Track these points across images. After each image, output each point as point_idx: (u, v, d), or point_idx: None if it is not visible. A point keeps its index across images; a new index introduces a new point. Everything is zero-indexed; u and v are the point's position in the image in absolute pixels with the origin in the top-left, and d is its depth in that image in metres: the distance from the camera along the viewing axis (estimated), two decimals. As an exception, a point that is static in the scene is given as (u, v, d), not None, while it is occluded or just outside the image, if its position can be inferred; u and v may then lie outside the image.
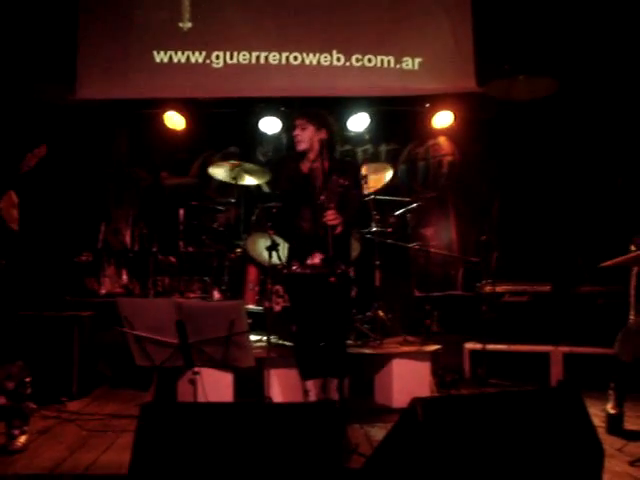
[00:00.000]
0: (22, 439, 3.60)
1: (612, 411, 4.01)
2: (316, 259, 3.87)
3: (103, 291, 6.01)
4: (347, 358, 4.05)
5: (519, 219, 6.40)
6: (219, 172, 5.33)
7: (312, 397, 3.84)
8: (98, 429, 4.07)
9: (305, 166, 4.05)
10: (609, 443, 3.65)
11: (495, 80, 5.95)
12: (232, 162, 5.19)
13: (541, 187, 6.36)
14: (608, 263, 4.01)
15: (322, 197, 3.83)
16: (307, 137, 4.00)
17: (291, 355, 4.31)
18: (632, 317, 4.03)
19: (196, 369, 3.06)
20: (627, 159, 5.90)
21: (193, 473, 2.23)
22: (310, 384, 3.88)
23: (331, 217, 3.71)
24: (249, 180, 5.45)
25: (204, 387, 3.45)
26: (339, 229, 3.74)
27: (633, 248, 4.04)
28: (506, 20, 6.14)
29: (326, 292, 3.61)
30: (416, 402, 2.35)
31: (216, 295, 5.35)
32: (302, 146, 4.02)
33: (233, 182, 5.26)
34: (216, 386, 4.17)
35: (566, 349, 5.38)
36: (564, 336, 5.44)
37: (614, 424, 3.99)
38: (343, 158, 4.19)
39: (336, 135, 4.12)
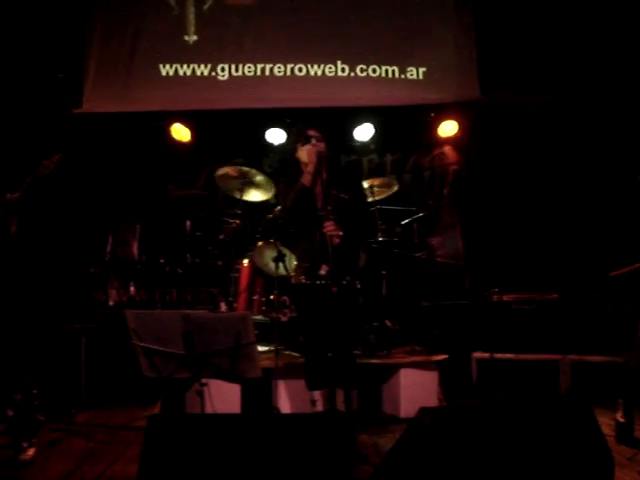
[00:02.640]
0: (30, 452, 3.59)
1: (621, 420, 3.99)
2: (322, 270, 3.87)
3: (111, 303, 6.03)
4: (354, 369, 4.02)
5: (525, 227, 6.38)
6: (226, 184, 5.34)
7: (319, 407, 3.84)
8: (106, 441, 4.07)
9: (306, 179, 4.06)
10: (619, 452, 3.63)
11: (499, 89, 5.97)
12: (239, 167, 5.22)
13: (547, 194, 6.35)
14: (615, 273, 4.01)
15: (322, 210, 3.86)
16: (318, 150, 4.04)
17: (298, 365, 4.32)
18: None
19: (203, 380, 3.07)
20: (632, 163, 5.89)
21: (201, 484, 2.23)
22: (317, 394, 3.87)
23: (330, 228, 3.72)
24: (255, 196, 5.47)
25: (212, 398, 3.45)
26: (337, 240, 3.75)
27: None
28: (508, 29, 6.16)
29: (331, 303, 3.61)
30: (423, 412, 2.34)
31: (223, 306, 5.35)
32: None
33: (238, 196, 5.29)
34: (223, 397, 4.16)
35: (574, 358, 5.35)
36: (572, 345, 5.42)
37: (624, 433, 3.96)
38: (343, 171, 4.18)
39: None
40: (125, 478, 3.32)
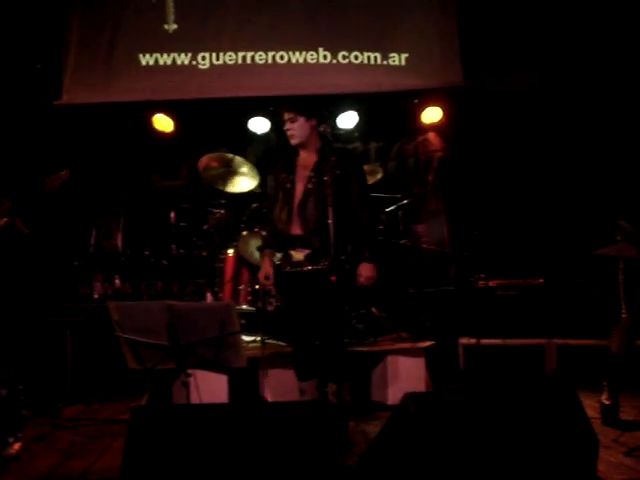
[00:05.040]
0: (16, 446, 3.57)
1: (607, 402, 4.02)
2: (300, 255, 3.71)
3: (96, 295, 5.98)
4: (347, 361, 3.92)
5: (510, 213, 6.40)
6: (209, 174, 5.32)
7: (308, 397, 3.81)
8: (93, 434, 4.06)
9: (307, 162, 3.80)
10: (604, 434, 3.66)
11: (483, 74, 5.97)
12: (222, 156, 5.19)
13: (531, 179, 6.37)
14: (597, 252, 4.03)
15: (308, 186, 3.70)
16: (299, 129, 3.76)
17: (285, 355, 4.31)
18: (624, 315, 4.04)
19: (189, 371, 3.05)
20: (617, 149, 5.92)
21: (186, 475, 2.22)
22: (306, 384, 3.81)
23: None
24: (239, 185, 5.45)
25: (198, 389, 3.44)
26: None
27: (619, 238, 4.06)
28: (491, 14, 6.15)
29: (326, 290, 3.47)
30: (408, 397, 2.35)
31: (209, 297, 5.34)
32: (295, 140, 3.79)
33: (222, 186, 5.27)
34: (210, 388, 4.15)
35: (560, 342, 5.39)
36: (558, 329, 5.46)
37: (609, 415, 4.00)
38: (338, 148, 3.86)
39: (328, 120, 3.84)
40: (112, 471, 3.29)
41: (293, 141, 3.79)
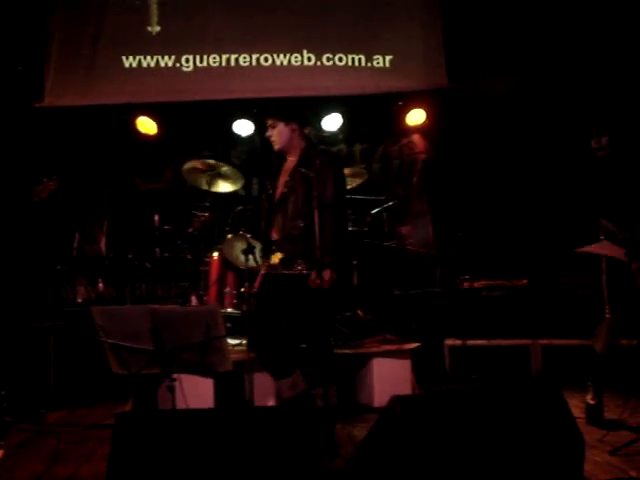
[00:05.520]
0: (-1, 453, 3.53)
1: (591, 402, 4.04)
2: (275, 258, 3.75)
3: (79, 300, 5.93)
4: (331, 365, 3.91)
5: (494, 214, 6.43)
6: (193, 177, 5.30)
7: (286, 394, 3.76)
8: (77, 441, 4.00)
9: (289, 166, 3.85)
10: (589, 433, 3.66)
11: (467, 76, 5.99)
12: (206, 160, 5.17)
13: (515, 181, 6.40)
14: (579, 250, 4.05)
15: (284, 190, 3.73)
16: (279, 135, 3.80)
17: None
18: (608, 315, 4.06)
19: (174, 376, 3.03)
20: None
21: (172, 481, 2.20)
22: (282, 382, 3.78)
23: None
24: (223, 187, 5.43)
25: (184, 394, 3.42)
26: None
27: (602, 237, 4.08)
28: (474, 16, 6.18)
29: (311, 293, 3.52)
30: (395, 400, 2.34)
31: (194, 300, 5.31)
32: (276, 146, 3.85)
33: (207, 188, 5.24)
34: (196, 392, 4.13)
35: (545, 342, 5.41)
36: (543, 329, 5.48)
37: (594, 415, 4.02)
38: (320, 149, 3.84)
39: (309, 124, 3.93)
40: (97, 478, 3.26)
41: (275, 147, 3.84)
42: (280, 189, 3.80)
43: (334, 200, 3.64)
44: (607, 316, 4.06)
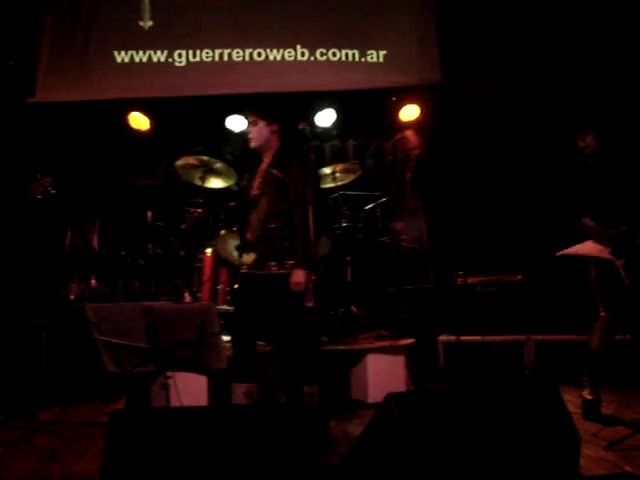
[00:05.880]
0: (-9, 452, 3.51)
1: (588, 397, 4.04)
2: (249, 259, 3.73)
3: (72, 297, 5.90)
4: (317, 363, 3.81)
5: (488, 210, 6.43)
6: (186, 173, 5.28)
7: (239, 400, 3.64)
8: (70, 438, 3.98)
9: (262, 167, 3.83)
10: (585, 429, 3.68)
11: (460, 72, 5.98)
12: (199, 156, 5.15)
13: (509, 177, 6.40)
14: (561, 253, 4.08)
15: (256, 192, 3.72)
16: (258, 133, 3.78)
17: (264, 354, 4.30)
18: (602, 313, 4.06)
19: (168, 373, 3.01)
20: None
21: (166, 479, 2.19)
22: (249, 386, 3.67)
23: None
24: (216, 183, 5.41)
25: (178, 391, 3.40)
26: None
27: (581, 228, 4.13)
28: (469, 12, 6.17)
29: (285, 295, 3.51)
30: (390, 397, 2.33)
31: (187, 297, 5.28)
32: (252, 144, 3.82)
33: (200, 184, 5.22)
34: (190, 390, 4.11)
35: (539, 338, 5.43)
36: (537, 325, 5.49)
37: (590, 410, 4.02)
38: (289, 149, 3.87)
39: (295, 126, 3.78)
40: (90, 475, 3.24)
41: (252, 144, 3.82)
42: (253, 190, 3.79)
43: (305, 201, 3.58)
44: (602, 314, 4.06)
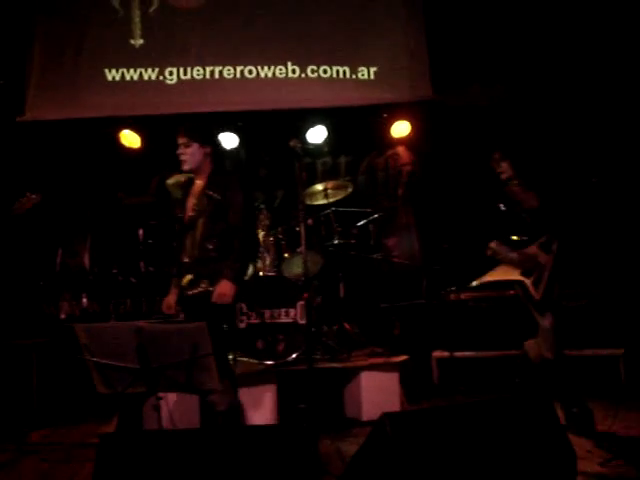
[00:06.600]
0: (-20, 476, 3.46)
1: (575, 411, 4.03)
2: (185, 280, 3.75)
3: (63, 316, 5.85)
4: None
5: (479, 225, 6.43)
6: (178, 190, 5.25)
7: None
8: (60, 460, 3.94)
9: (196, 189, 3.83)
10: (579, 444, 3.65)
11: (451, 88, 6.01)
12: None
13: (499, 191, 6.41)
14: (480, 282, 4.41)
15: (191, 214, 3.74)
16: (191, 155, 3.76)
17: (258, 373, 4.27)
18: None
19: (160, 394, 2.98)
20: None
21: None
22: None
23: None
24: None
25: (170, 412, 3.37)
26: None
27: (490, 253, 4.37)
28: (459, 28, 6.21)
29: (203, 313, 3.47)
30: (385, 417, 2.31)
31: (180, 316, 5.24)
32: (186, 166, 3.79)
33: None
34: (182, 410, 4.08)
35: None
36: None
37: (579, 423, 4.00)
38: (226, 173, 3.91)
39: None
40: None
41: (185, 167, 3.80)
42: (188, 212, 3.79)
43: (242, 224, 3.71)
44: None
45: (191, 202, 3.80)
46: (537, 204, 4.39)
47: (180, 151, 3.77)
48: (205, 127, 3.95)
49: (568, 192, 4.55)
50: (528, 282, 4.19)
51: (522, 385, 4.71)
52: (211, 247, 3.63)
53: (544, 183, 4.72)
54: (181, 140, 3.76)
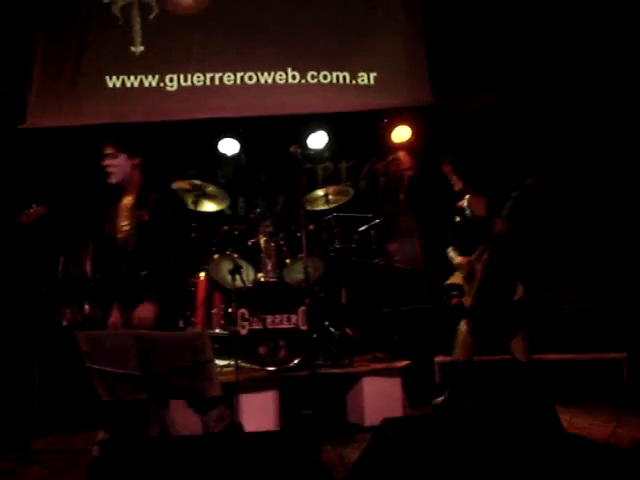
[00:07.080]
0: (-19, 484, 3.45)
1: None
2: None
3: (65, 323, 5.85)
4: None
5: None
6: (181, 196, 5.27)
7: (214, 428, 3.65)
8: (63, 468, 3.93)
9: (125, 205, 3.59)
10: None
11: (451, 93, 6.02)
12: (192, 181, 5.15)
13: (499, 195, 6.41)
14: (448, 284, 4.78)
15: (121, 234, 3.51)
16: (118, 167, 3.52)
17: (260, 379, 4.27)
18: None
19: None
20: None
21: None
22: None
23: None
24: (209, 207, 5.41)
25: (172, 418, 3.36)
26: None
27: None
28: (459, 33, 6.22)
29: None
30: (386, 423, 2.31)
31: (181, 322, 5.25)
32: (113, 179, 3.54)
33: (193, 208, 5.21)
34: (184, 416, 4.06)
35: (535, 357, 5.39)
36: (533, 344, 5.46)
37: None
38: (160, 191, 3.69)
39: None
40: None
41: (112, 179, 3.56)
42: (118, 232, 3.55)
43: (175, 242, 3.49)
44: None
45: (120, 221, 3.56)
46: (485, 213, 4.68)
47: (106, 162, 3.50)
48: (134, 137, 3.69)
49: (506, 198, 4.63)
50: (466, 287, 4.60)
51: (522, 389, 4.71)
52: (143, 270, 3.41)
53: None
54: (107, 150, 3.50)
